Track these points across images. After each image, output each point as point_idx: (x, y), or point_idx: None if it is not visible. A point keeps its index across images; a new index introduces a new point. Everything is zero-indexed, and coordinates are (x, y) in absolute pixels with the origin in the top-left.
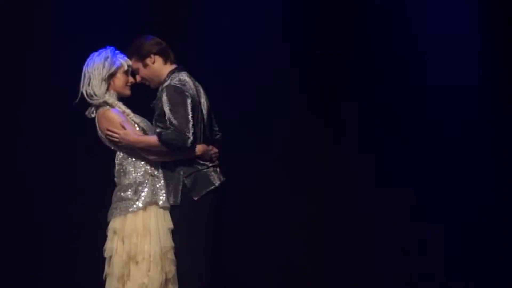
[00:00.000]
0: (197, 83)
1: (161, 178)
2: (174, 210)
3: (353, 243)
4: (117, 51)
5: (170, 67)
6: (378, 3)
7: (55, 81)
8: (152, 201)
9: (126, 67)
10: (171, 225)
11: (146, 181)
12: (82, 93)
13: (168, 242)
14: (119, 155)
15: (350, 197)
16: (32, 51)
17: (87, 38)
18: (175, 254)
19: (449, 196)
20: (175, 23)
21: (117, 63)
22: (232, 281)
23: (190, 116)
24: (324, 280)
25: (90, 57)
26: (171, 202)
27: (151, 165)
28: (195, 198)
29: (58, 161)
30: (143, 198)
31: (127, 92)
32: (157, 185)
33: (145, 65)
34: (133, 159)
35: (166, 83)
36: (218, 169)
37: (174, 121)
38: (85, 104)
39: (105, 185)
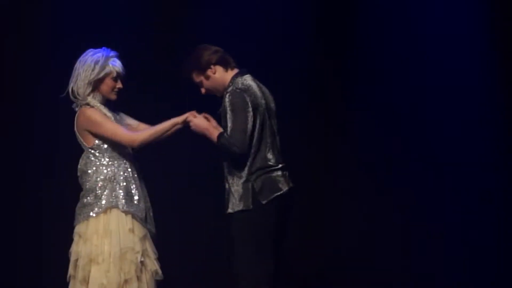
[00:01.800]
0: (262, 85)
1: (122, 183)
2: (245, 214)
3: (353, 243)
4: (111, 54)
5: (232, 73)
6: (378, 3)
7: (54, 81)
8: (111, 206)
9: (115, 74)
10: (130, 226)
11: (105, 185)
12: (69, 89)
13: (128, 243)
14: (83, 157)
15: (350, 197)
16: (31, 51)
17: (87, 38)
18: (239, 256)
19: (449, 196)
20: (175, 23)
21: (107, 69)
22: (232, 280)
23: (249, 125)
24: (324, 280)
25: (84, 54)
26: (241, 207)
27: (111, 170)
28: (263, 202)
29: (59, 161)
30: (102, 203)
31: (113, 97)
32: (117, 190)
33: (207, 77)
34: (96, 163)
35: (229, 89)
36: (287, 174)
37: (230, 130)
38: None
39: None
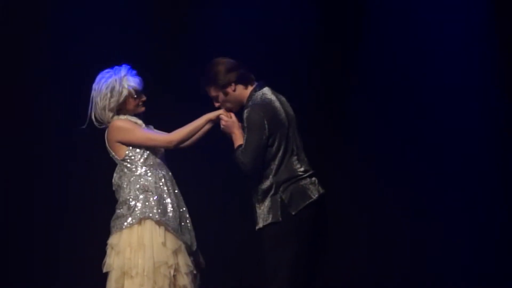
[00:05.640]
0: (280, 96)
1: (155, 194)
2: (274, 227)
3: (354, 243)
4: (123, 72)
5: (251, 88)
6: (379, 4)
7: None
8: (145, 217)
9: (133, 92)
10: (163, 239)
11: (139, 196)
12: (90, 118)
13: (162, 257)
14: (117, 171)
15: (350, 197)
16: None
17: (88, 38)
18: (271, 268)
19: (449, 195)
20: (177, 23)
21: (125, 92)
22: (233, 280)
23: (261, 144)
24: (324, 280)
25: (97, 81)
26: (270, 220)
27: (145, 182)
28: (293, 213)
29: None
30: (136, 214)
31: (141, 109)
32: (151, 200)
33: (226, 93)
34: (130, 175)
35: (248, 104)
36: (316, 180)
37: (243, 147)
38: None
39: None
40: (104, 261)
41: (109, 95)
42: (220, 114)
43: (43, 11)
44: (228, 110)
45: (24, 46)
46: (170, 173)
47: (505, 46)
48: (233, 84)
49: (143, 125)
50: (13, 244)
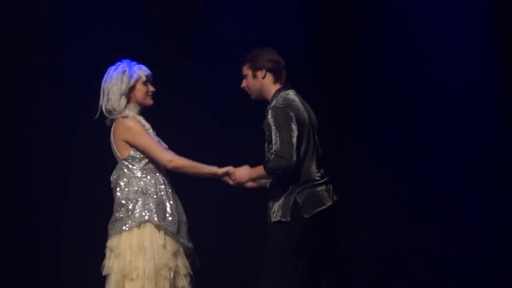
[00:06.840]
0: (304, 102)
1: (154, 196)
2: (283, 226)
3: (354, 243)
4: (133, 63)
5: (278, 86)
6: (379, 4)
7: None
8: (145, 220)
9: (144, 78)
10: (163, 242)
11: (137, 198)
12: (101, 109)
13: (162, 259)
14: (117, 169)
15: (350, 197)
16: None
17: (88, 38)
18: (278, 270)
19: (449, 195)
20: (177, 23)
21: (135, 75)
22: (238, 281)
23: (294, 139)
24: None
25: (107, 73)
26: (279, 217)
27: (144, 185)
28: (306, 216)
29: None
30: (136, 216)
31: (149, 101)
32: (150, 204)
33: (255, 76)
34: (129, 175)
35: (272, 104)
36: (331, 187)
37: (276, 145)
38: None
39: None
40: (103, 264)
41: (120, 78)
42: (228, 170)
43: (43, 11)
44: (249, 94)
45: (24, 46)
46: (168, 178)
47: (505, 46)
48: (264, 71)
49: (151, 130)
50: (13, 244)
